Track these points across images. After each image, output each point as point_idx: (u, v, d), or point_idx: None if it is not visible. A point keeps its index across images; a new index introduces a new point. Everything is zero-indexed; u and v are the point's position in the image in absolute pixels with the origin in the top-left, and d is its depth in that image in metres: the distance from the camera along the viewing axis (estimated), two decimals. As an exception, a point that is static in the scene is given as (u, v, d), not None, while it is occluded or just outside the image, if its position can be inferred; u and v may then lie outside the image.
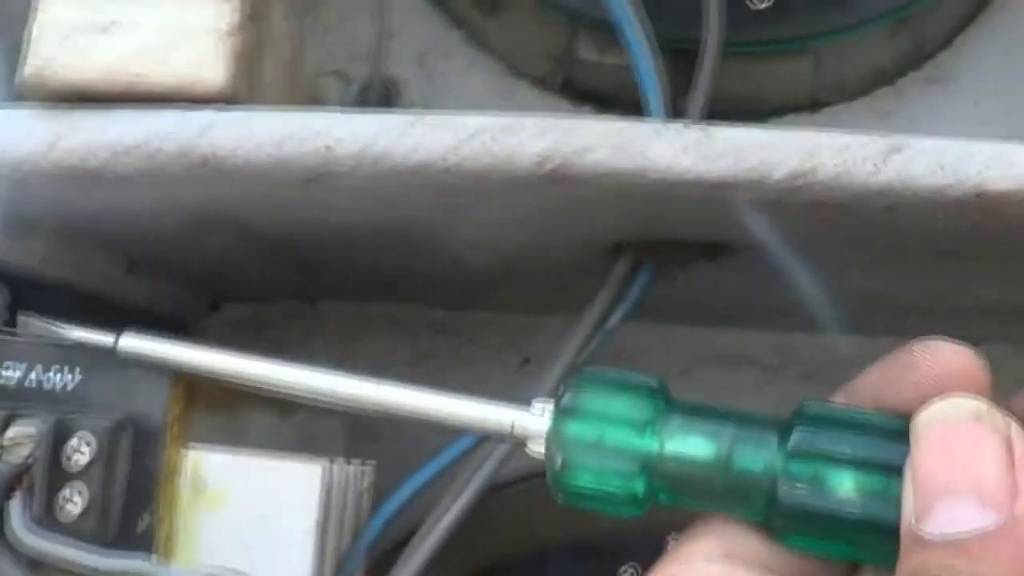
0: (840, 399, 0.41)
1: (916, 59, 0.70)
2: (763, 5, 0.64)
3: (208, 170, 0.45)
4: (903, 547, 0.36)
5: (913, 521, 0.35)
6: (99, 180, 0.47)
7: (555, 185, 0.43)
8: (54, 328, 0.51)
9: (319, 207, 0.49)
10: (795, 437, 0.37)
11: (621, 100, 0.69)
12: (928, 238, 0.45)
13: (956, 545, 0.34)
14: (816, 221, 0.45)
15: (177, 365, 0.49)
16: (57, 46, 0.46)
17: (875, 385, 0.40)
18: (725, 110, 0.69)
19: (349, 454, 0.63)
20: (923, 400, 0.37)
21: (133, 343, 0.49)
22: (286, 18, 0.53)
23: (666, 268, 0.51)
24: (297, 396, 0.46)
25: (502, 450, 0.49)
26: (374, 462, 0.51)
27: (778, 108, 0.69)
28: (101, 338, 0.51)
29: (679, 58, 0.58)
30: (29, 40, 0.46)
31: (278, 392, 0.46)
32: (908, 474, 0.36)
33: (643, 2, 0.55)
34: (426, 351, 0.69)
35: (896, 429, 0.36)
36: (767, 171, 0.42)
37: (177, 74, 0.46)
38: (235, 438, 0.53)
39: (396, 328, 0.69)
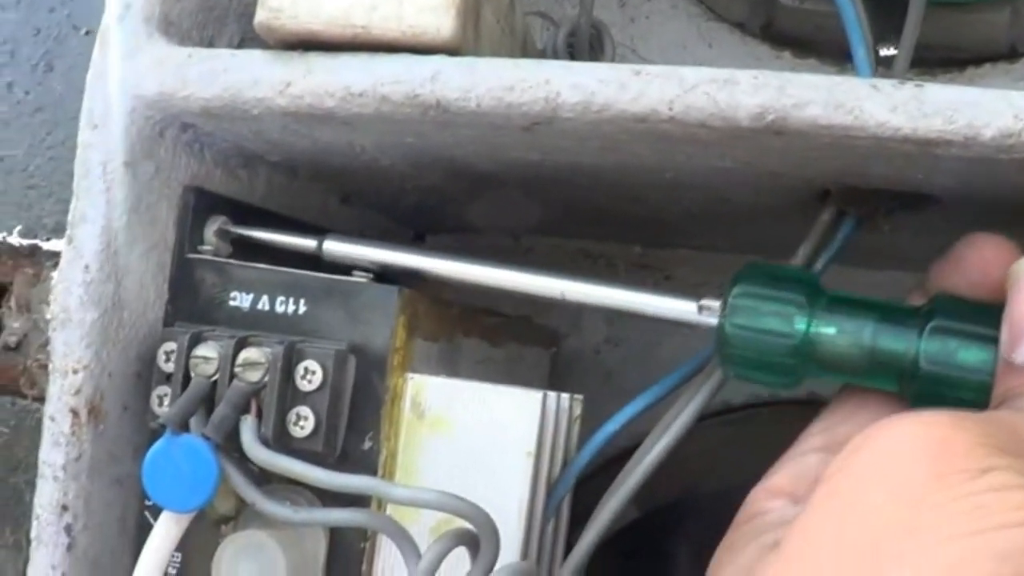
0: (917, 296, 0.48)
1: (1116, 9, 0.70)
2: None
3: (436, 115, 0.47)
4: (998, 375, 0.43)
5: (1006, 352, 0.42)
6: (327, 121, 0.49)
7: (771, 138, 0.45)
8: (262, 235, 0.55)
9: (537, 149, 0.51)
10: (933, 322, 0.45)
11: (819, 45, 0.70)
12: None
13: None
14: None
15: (379, 265, 0.53)
16: (286, -4, 0.48)
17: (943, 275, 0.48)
18: (924, 58, 0.70)
19: (552, 384, 0.66)
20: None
21: (337, 246, 0.54)
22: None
23: (871, 217, 0.52)
24: (493, 290, 0.53)
25: (712, 385, 0.51)
26: (582, 396, 0.53)
27: (976, 57, 0.70)
28: (306, 242, 0.55)
29: (881, 6, 0.59)
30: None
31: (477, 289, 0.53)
32: (1006, 315, 0.42)
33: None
34: (625, 285, 0.71)
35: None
36: (977, 131, 0.43)
37: (406, 24, 0.48)
38: (451, 367, 0.55)
39: (595, 263, 0.71)
